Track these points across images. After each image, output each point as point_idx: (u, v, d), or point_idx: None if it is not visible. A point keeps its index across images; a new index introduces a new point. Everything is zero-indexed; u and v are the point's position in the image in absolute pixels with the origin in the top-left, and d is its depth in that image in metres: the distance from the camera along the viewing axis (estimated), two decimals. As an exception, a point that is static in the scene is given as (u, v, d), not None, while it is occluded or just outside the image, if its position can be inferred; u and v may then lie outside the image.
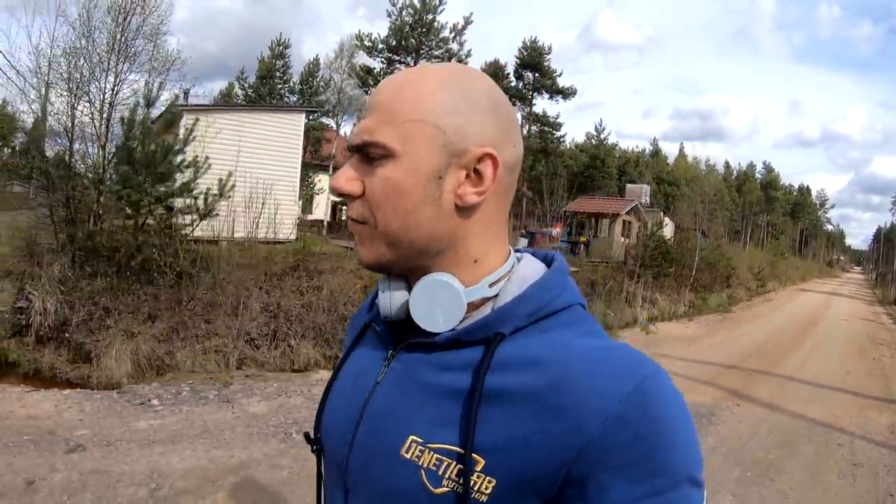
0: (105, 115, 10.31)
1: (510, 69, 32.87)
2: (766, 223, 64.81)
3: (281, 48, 30.22)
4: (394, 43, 23.30)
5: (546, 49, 31.76)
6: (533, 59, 31.74)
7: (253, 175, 11.06)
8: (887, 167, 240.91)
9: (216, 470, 4.18)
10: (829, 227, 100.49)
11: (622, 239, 22.50)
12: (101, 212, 9.58)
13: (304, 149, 17.24)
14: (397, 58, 24.11)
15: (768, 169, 70.87)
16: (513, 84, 32.45)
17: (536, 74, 31.91)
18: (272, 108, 18.02)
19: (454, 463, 0.60)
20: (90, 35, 10.20)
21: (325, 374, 7.56)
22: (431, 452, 0.62)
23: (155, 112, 10.02)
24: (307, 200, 22.60)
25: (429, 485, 0.61)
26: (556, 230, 18.94)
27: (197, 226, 9.31)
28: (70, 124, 9.83)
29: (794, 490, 4.53)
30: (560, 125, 33.09)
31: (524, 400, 0.59)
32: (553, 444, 0.56)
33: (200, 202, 9.19)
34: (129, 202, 8.88)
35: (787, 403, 7.12)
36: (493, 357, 0.63)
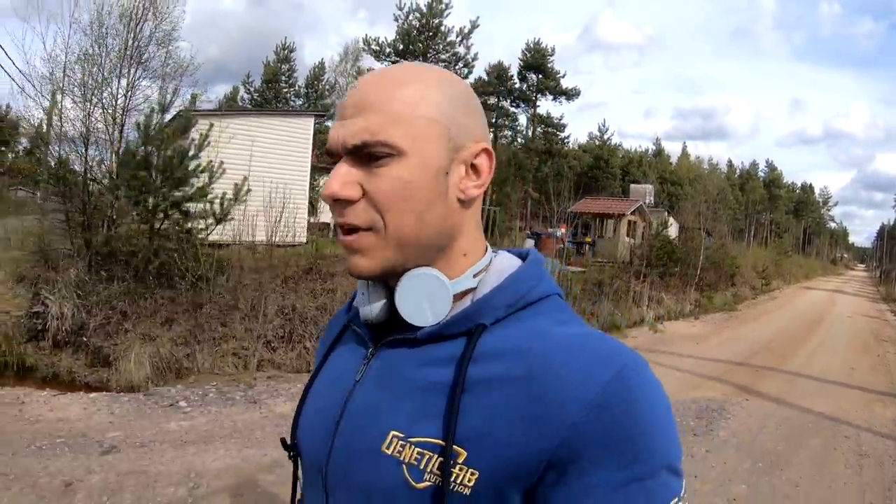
0: (118, 121, 10.49)
1: (514, 71, 33.09)
2: (769, 221, 64.86)
3: (286, 52, 30.55)
4: (401, 47, 23.54)
5: (549, 51, 31.97)
6: (537, 61, 31.94)
7: (265, 179, 11.25)
8: (890, 164, 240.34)
9: (250, 469, 4.28)
10: (833, 224, 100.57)
11: (627, 239, 22.65)
12: (115, 216, 9.74)
13: (312, 152, 17.46)
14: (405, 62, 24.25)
15: (771, 167, 71.03)
16: (517, 86, 32.67)
17: (540, 76, 32.08)
18: (282, 113, 18.22)
19: (436, 456, 0.60)
20: (103, 41, 10.33)
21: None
22: (412, 447, 0.62)
23: (166, 117, 10.17)
24: (312, 204, 22.78)
25: (410, 479, 0.61)
26: (562, 230, 19.06)
27: (213, 230, 9.46)
28: (85, 130, 9.98)
29: (804, 479, 4.73)
30: (564, 126, 33.37)
31: (505, 389, 0.60)
32: (535, 432, 0.57)
33: (216, 206, 9.34)
34: (145, 207, 9.04)
35: (794, 398, 7.30)
36: (475, 348, 0.63)
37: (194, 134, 9.76)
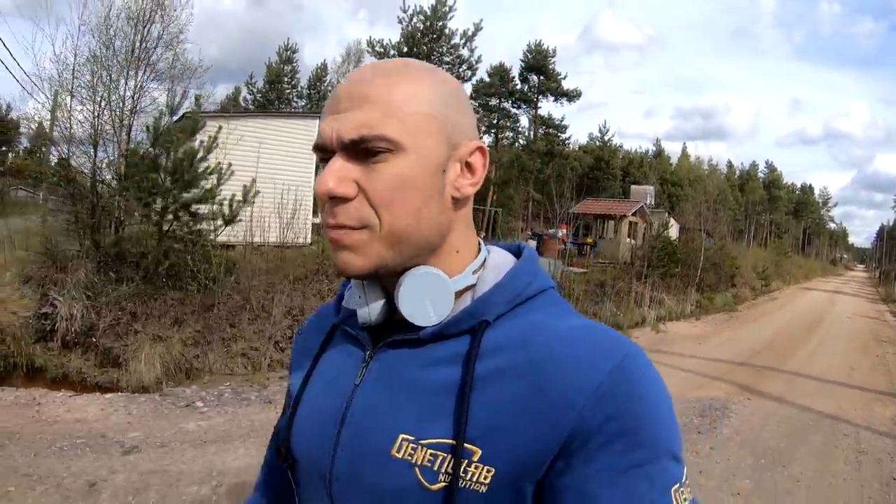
0: (126, 123, 10.59)
1: (515, 72, 33.21)
2: (769, 222, 65.00)
3: (289, 53, 30.66)
4: (405, 49, 23.67)
5: (551, 52, 32.08)
6: (538, 63, 32.03)
7: (272, 180, 11.38)
8: (890, 164, 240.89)
9: (270, 468, 4.44)
10: (832, 225, 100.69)
11: (629, 240, 22.79)
12: (122, 218, 9.84)
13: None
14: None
15: (771, 168, 71.15)
16: (518, 87, 32.78)
17: (541, 78, 32.20)
18: (288, 114, 18.35)
19: (449, 456, 0.60)
20: (111, 43, 10.37)
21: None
22: (425, 449, 0.61)
23: (173, 119, 10.24)
24: (317, 205, 22.87)
25: (424, 482, 0.60)
26: (563, 231, 19.20)
27: (222, 231, 9.56)
28: (94, 132, 10.07)
29: (805, 475, 4.89)
30: (565, 127, 33.44)
31: (511, 383, 0.60)
32: (544, 423, 0.57)
33: (225, 208, 9.44)
34: (154, 209, 9.15)
35: (795, 397, 7.46)
36: (480, 345, 0.63)
37: (202, 136, 9.84)
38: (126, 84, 10.48)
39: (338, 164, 0.63)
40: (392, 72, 0.65)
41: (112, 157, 10.38)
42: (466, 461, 0.59)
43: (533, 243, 19.28)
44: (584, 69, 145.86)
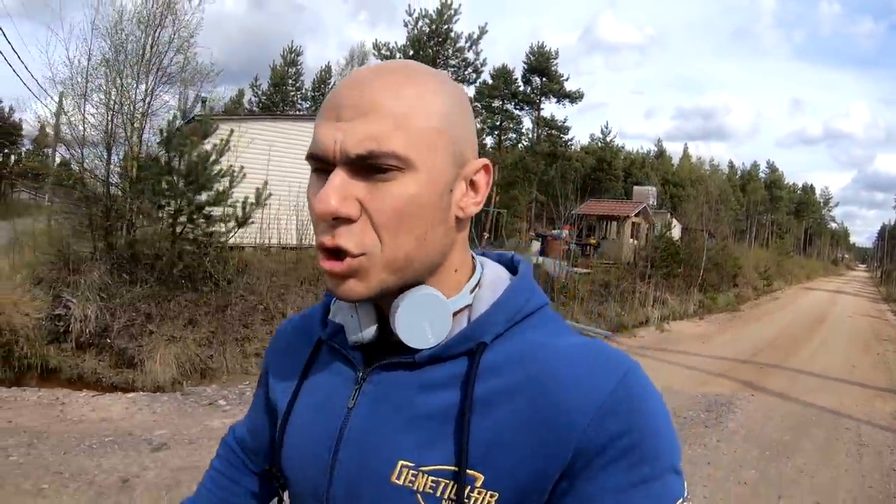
0: (138, 126, 10.75)
1: (517, 74, 33.43)
2: (770, 222, 65.11)
3: (293, 56, 30.88)
4: (411, 52, 23.86)
5: (553, 54, 32.30)
6: (540, 64, 32.24)
7: (283, 183, 11.56)
8: (891, 164, 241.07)
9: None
10: (834, 225, 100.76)
11: (632, 241, 22.95)
12: (133, 220, 9.99)
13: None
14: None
15: (772, 168, 71.25)
16: (521, 88, 32.99)
17: (544, 79, 32.40)
18: (298, 117, 18.51)
19: (452, 483, 0.59)
20: (122, 47, 10.45)
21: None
22: (425, 476, 0.60)
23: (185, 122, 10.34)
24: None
25: None
26: (566, 232, 19.36)
27: (235, 233, 9.70)
28: (107, 135, 10.23)
29: (808, 466, 5.11)
30: (568, 129, 33.65)
31: (511, 404, 0.59)
32: (548, 444, 0.57)
33: (238, 210, 9.60)
34: (168, 211, 9.32)
35: (798, 393, 7.67)
36: (479, 367, 0.62)
37: (214, 139, 9.99)
38: (137, 88, 10.57)
39: (340, 179, 0.58)
40: (400, 78, 0.60)
41: (125, 160, 10.48)
42: (469, 487, 0.58)
43: (537, 244, 19.48)
44: (584, 70, 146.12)
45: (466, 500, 0.58)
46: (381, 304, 0.67)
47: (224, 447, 0.93)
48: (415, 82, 0.60)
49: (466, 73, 24.28)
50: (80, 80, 10.16)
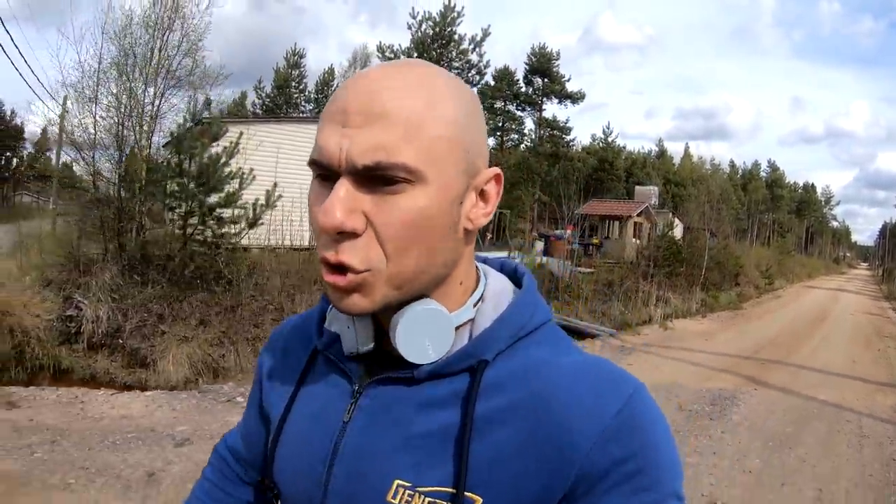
0: (148, 129, 10.90)
1: (519, 75, 33.62)
2: (771, 221, 65.27)
3: (296, 58, 31.06)
4: (415, 55, 24.07)
5: (555, 55, 32.49)
6: (542, 65, 32.44)
7: (292, 185, 11.70)
8: (892, 162, 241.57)
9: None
10: (835, 223, 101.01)
11: (634, 240, 23.12)
12: (143, 222, 10.12)
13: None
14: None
15: (773, 167, 71.50)
16: (523, 90, 33.18)
17: (546, 80, 32.59)
18: (305, 120, 18.66)
19: None
20: (131, 51, 10.58)
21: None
22: (423, 496, 0.58)
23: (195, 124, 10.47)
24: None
25: None
26: (568, 232, 19.52)
27: (245, 234, 9.84)
28: (118, 138, 10.38)
29: (810, 456, 5.28)
30: (570, 129, 33.86)
31: (513, 424, 0.58)
32: (549, 467, 0.56)
33: (249, 211, 9.75)
34: (178, 213, 9.48)
35: (800, 388, 7.84)
36: (480, 385, 0.60)
37: (223, 141, 10.13)
38: (146, 91, 10.71)
39: (345, 191, 0.55)
40: (412, 82, 0.57)
41: (135, 163, 10.61)
42: None
43: (540, 244, 19.65)
44: (584, 70, 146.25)
45: None
46: (381, 317, 0.65)
47: (216, 456, 0.90)
48: (427, 87, 0.57)
49: (470, 75, 24.49)
50: (91, 83, 10.32)
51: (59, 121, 12.08)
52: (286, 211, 10.51)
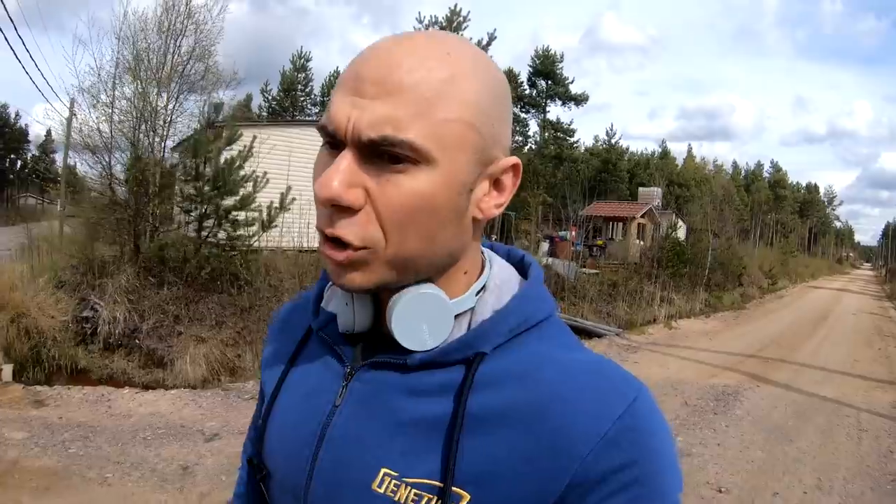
0: (162, 134, 11.12)
1: (523, 77, 33.84)
2: (774, 222, 65.30)
3: (303, 61, 31.34)
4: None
5: (559, 57, 32.75)
6: (546, 68, 32.71)
7: (303, 188, 11.93)
8: (895, 162, 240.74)
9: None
10: (838, 224, 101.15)
11: (638, 241, 23.32)
12: (157, 225, 10.31)
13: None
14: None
15: (776, 168, 71.72)
16: (526, 92, 33.41)
17: (549, 82, 32.82)
18: (314, 124, 18.86)
19: (435, 498, 0.55)
20: (146, 56, 10.74)
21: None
22: (409, 487, 0.56)
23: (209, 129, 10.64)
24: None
25: None
26: (573, 233, 19.74)
27: (260, 237, 10.03)
28: (133, 142, 10.59)
29: (811, 448, 5.54)
30: (573, 131, 34.10)
31: (509, 423, 0.55)
32: (544, 471, 0.53)
33: (264, 214, 9.91)
34: (195, 216, 9.70)
35: (801, 385, 8.07)
36: (474, 378, 0.57)
37: (237, 145, 10.32)
38: (160, 95, 10.86)
39: (346, 163, 0.53)
40: (433, 56, 0.54)
41: (150, 166, 10.80)
42: None
43: (545, 245, 19.86)
44: (587, 71, 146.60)
45: None
46: (381, 296, 0.63)
47: (245, 471, 0.83)
48: (451, 64, 0.54)
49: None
50: (106, 87, 10.53)
51: (66, 123, 12.33)
52: (301, 213, 10.71)
